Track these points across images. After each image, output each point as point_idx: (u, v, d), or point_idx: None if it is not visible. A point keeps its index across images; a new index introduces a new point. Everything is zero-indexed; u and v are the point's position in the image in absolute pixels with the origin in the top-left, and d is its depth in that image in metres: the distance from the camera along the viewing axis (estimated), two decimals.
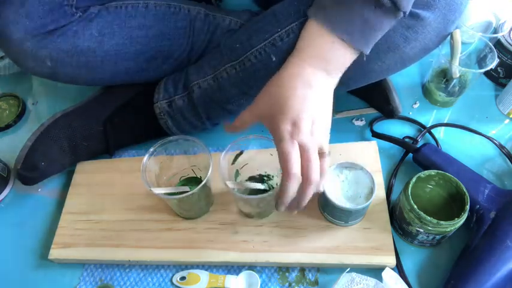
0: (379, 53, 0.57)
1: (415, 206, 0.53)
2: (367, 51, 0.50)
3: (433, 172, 0.57)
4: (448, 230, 0.54)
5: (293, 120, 0.47)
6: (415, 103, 0.78)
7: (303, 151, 0.46)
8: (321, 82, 0.50)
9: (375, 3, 0.46)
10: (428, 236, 0.56)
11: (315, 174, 0.46)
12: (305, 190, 0.47)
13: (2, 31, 0.59)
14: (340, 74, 0.51)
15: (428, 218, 0.52)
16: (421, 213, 0.52)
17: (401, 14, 0.48)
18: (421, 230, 0.55)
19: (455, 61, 0.66)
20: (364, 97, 0.78)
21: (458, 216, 0.53)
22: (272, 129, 0.48)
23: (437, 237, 0.56)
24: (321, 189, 0.51)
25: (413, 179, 0.56)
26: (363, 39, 0.49)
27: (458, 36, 0.62)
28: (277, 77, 0.51)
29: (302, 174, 0.46)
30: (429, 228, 0.53)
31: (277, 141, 0.47)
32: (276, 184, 0.63)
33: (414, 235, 0.57)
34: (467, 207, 0.53)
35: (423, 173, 0.56)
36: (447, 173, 0.56)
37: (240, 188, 0.57)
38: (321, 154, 0.48)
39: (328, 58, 0.49)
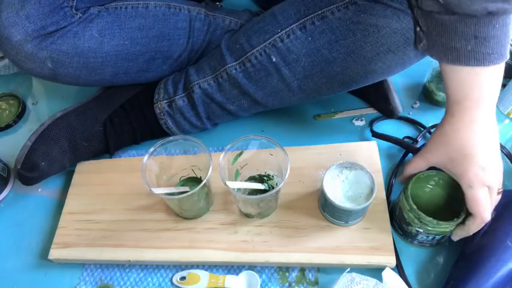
0: (380, 54, 0.57)
1: (415, 207, 0.53)
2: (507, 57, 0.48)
3: (432, 172, 0.56)
4: (448, 230, 0.54)
5: (482, 165, 0.49)
6: (415, 103, 0.78)
7: (491, 193, 0.50)
8: (490, 120, 0.50)
9: (496, 18, 0.44)
10: (428, 236, 0.56)
11: (491, 211, 0.51)
12: (482, 225, 0.52)
13: (2, 33, 0.59)
14: (498, 88, 0.50)
15: (428, 218, 0.52)
16: (421, 213, 0.52)
17: None
18: (421, 230, 0.55)
19: None
20: (364, 97, 0.78)
21: (458, 216, 0.52)
22: (459, 175, 0.51)
23: (437, 237, 0.55)
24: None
25: (413, 179, 0.56)
26: (504, 50, 0.47)
27: None
28: (450, 126, 0.51)
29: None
30: (429, 228, 0.53)
31: (466, 187, 0.50)
32: (276, 184, 0.63)
33: (414, 235, 0.57)
34: (465, 207, 0.52)
35: (422, 173, 0.56)
36: (447, 173, 0.56)
37: (240, 188, 0.57)
38: (499, 191, 0.52)
39: (490, 91, 0.49)
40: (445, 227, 0.53)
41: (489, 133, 0.50)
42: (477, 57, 0.46)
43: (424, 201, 0.57)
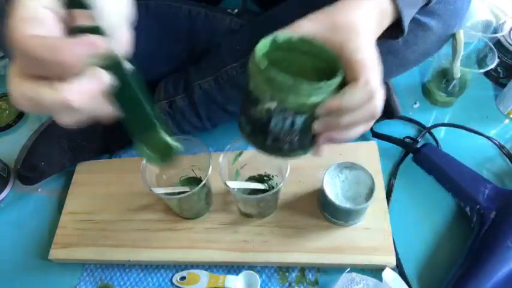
0: (379, 56, 0.57)
1: (265, 63, 0.35)
2: (405, 20, 0.45)
3: (294, 38, 0.39)
4: (314, 100, 0.35)
5: (368, 38, 0.40)
6: (415, 103, 0.78)
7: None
8: (376, 21, 0.43)
9: None
10: (284, 120, 0.37)
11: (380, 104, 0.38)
12: (351, 117, 0.38)
13: (1, 32, 0.59)
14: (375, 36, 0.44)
15: (283, 77, 0.34)
16: (273, 71, 0.34)
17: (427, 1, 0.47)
18: (273, 106, 0.36)
19: (457, 62, 0.66)
20: None
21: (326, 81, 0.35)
22: (344, 40, 0.38)
23: (298, 119, 0.37)
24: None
25: (267, 38, 0.38)
26: (407, 6, 0.44)
27: (461, 36, 0.62)
28: (335, 5, 0.42)
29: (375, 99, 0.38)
30: (285, 97, 0.35)
31: (353, 50, 0.38)
32: (276, 184, 0.63)
33: (264, 124, 0.38)
34: (340, 73, 0.36)
35: (282, 36, 0.39)
36: (314, 41, 0.39)
37: (240, 188, 0.57)
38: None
39: (378, 5, 0.43)
40: (309, 92, 0.35)
41: (375, 30, 0.42)
42: None
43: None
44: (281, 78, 0.34)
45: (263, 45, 0.38)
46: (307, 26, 0.40)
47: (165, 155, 0.40)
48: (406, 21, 0.46)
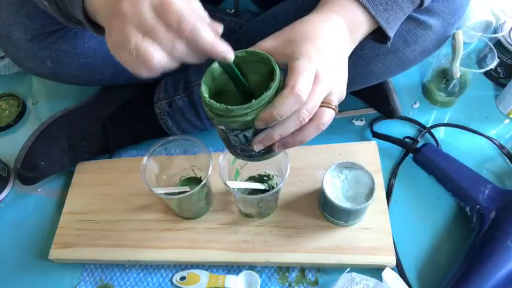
0: (379, 55, 0.57)
1: (205, 95, 0.39)
2: (386, 26, 0.46)
3: (240, 53, 0.41)
4: (250, 117, 0.38)
5: (319, 47, 0.40)
6: (415, 103, 0.78)
7: (315, 82, 0.39)
8: (346, 38, 0.44)
9: None
10: (237, 136, 0.41)
11: (307, 114, 0.39)
12: (287, 125, 0.39)
13: (2, 31, 0.59)
14: (355, 44, 0.46)
15: (218, 105, 0.38)
16: (209, 100, 0.38)
17: (419, 3, 0.48)
18: (222, 127, 0.41)
19: (457, 62, 0.66)
20: (364, 97, 0.78)
21: (257, 97, 0.38)
22: (290, 52, 0.40)
23: (248, 133, 0.41)
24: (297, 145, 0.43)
25: (214, 64, 0.42)
26: (385, 12, 0.45)
27: (460, 37, 0.62)
28: (309, 18, 0.44)
29: (306, 104, 0.39)
30: (226, 120, 0.39)
31: (293, 59, 0.39)
32: (276, 184, 0.63)
33: (228, 141, 0.43)
34: (273, 84, 0.38)
35: (235, 54, 0.40)
36: (258, 51, 0.41)
37: (240, 188, 0.57)
38: (329, 105, 0.41)
39: (353, 19, 0.44)
40: (239, 111, 0.38)
41: (340, 38, 0.43)
42: None
43: (230, 97, 0.42)
44: (217, 106, 0.38)
45: (212, 70, 0.42)
46: (266, 43, 0.42)
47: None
48: (388, 26, 0.46)
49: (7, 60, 0.90)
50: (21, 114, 0.86)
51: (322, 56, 0.40)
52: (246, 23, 0.70)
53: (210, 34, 0.36)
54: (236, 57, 0.40)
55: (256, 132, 0.41)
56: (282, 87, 0.39)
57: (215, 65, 0.42)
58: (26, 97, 0.90)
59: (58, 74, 0.66)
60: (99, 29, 0.43)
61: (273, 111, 0.37)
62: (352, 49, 0.46)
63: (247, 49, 0.41)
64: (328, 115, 0.41)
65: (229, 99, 0.41)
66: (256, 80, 0.42)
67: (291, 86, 0.37)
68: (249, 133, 0.41)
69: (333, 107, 0.41)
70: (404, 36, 0.55)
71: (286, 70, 0.40)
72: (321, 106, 0.40)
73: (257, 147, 0.41)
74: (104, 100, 0.74)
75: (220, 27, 0.38)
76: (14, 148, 0.71)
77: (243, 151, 0.44)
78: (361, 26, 0.45)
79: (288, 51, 0.40)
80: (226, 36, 0.69)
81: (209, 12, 0.72)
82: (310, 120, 0.40)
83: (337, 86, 0.42)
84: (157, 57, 0.35)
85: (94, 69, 0.67)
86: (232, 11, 0.74)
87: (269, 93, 0.38)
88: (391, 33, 0.47)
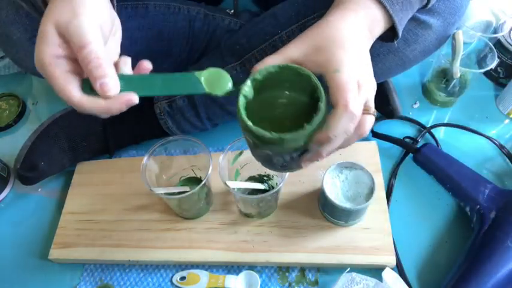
0: (380, 55, 0.57)
1: (249, 123, 0.37)
2: (399, 26, 0.46)
3: (273, 68, 0.39)
4: (298, 142, 0.37)
5: (354, 55, 0.39)
6: (415, 103, 0.78)
7: (360, 93, 0.38)
8: (365, 33, 0.43)
9: None
10: (282, 157, 0.40)
11: (354, 127, 0.38)
12: (336, 141, 0.39)
13: (1, 31, 0.59)
14: (372, 42, 0.45)
15: (268, 134, 0.36)
16: (258, 130, 0.36)
17: (425, 3, 0.48)
18: (269, 152, 0.40)
19: (457, 62, 0.66)
20: None
21: (309, 120, 0.37)
22: (325, 61, 0.39)
23: (294, 154, 0.40)
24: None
25: (247, 84, 0.39)
26: (399, 12, 0.45)
27: (460, 37, 0.62)
28: (326, 20, 0.42)
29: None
30: (274, 146, 0.38)
31: (332, 72, 0.38)
32: (276, 184, 0.63)
33: (267, 159, 0.42)
34: (322, 104, 0.37)
35: (260, 74, 0.39)
36: (293, 65, 0.39)
37: (240, 188, 0.57)
38: (368, 112, 0.40)
39: (372, 19, 0.44)
40: (293, 139, 0.36)
41: (365, 39, 0.43)
42: None
43: (275, 113, 0.41)
44: (268, 135, 0.36)
45: (244, 91, 0.39)
46: (293, 51, 0.41)
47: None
48: (400, 26, 0.46)
49: (7, 60, 0.90)
50: (21, 114, 0.86)
51: (356, 63, 0.39)
52: (246, 23, 0.70)
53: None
54: (268, 73, 0.39)
55: (303, 151, 0.40)
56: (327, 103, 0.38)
57: (247, 87, 0.39)
58: (26, 97, 0.90)
59: None
60: None
61: (329, 133, 0.37)
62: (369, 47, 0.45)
63: (280, 64, 0.39)
64: (370, 122, 0.40)
65: (261, 120, 0.38)
66: (291, 96, 0.41)
67: (343, 105, 0.36)
68: (296, 154, 0.40)
69: (372, 113, 0.41)
70: (404, 36, 0.55)
71: (320, 80, 0.39)
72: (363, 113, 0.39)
73: (305, 165, 0.41)
74: None
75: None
76: (14, 148, 0.71)
77: (283, 167, 0.43)
78: (379, 25, 0.45)
79: (320, 59, 0.39)
80: (226, 36, 0.69)
81: (209, 13, 0.72)
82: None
83: (372, 89, 0.42)
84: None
85: None
86: (232, 11, 0.74)
87: (320, 116, 0.37)
88: (400, 33, 0.47)
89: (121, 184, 0.70)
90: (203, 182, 0.55)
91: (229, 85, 0.40)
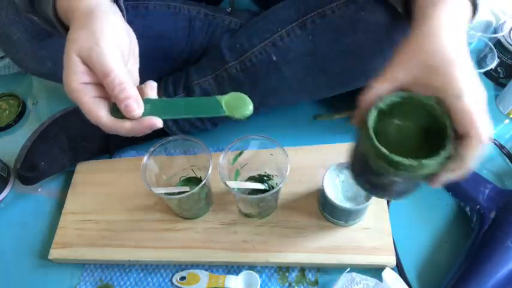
0: (380, 52, 0.57)
1: (385, 150, 0.37)
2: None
3: (397, 98, 0.39)
4: (434, 170, 0.37)
5: (464, 72, 0.37)
6: None
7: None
8: (463, 32, 0.40)
9: None
10: (406, 184, 0.41)
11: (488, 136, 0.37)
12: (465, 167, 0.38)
13: (2, 31, 0.59)
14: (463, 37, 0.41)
15: (407, 161, 0.36)
16: (395, 157, 0.36)
17: None
18: (399, 180, 0.40)
19: None
20: None
21: (442, 147, 0.37)
22: (444, 84, 0.37)
23: (419, 181, 0.41)
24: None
25: (372, 113, 0.39)
26: None
27: None
28: (426, 28, 0.40)
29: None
30: (408, 173, 0.37)
31: (455, 98, 0.36)
32: (276, 184, 0.63)
33: (387, 187, 0.42)
34: (450, 131, 0.37)
35: (383, 102, 0.39)
36: (416, 95, 0.39)
37: (240, 188, 0.57)
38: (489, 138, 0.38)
39: (460, 6, 0.41)
40: (430, 166, 0.36)
41: (464, 38, 0.40)
42: None
43: (390, 139, 0.41)
44: (407, 162, 0.36)
45: (372, 121, 0.39)
46: (401, 75, 0.39)
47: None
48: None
49: (7, 60, 0.90)
50: (21, 114, 0.86)
51: (472, 79, 0.38)
52: (246, 22, 0.70)
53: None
54: (392, 102, 0.39)
55: (427, 180, 0.40)
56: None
57: (373, 116, 0.39)
58: (26, 97, 0.90)
59: (58, 74, 0.66)
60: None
61: (465, 164, 0.37)
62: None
63: (403, 94, 0.39)
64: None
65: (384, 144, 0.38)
66: (408, 123, 0.41)
67: (476, 136, 0.36)
68: (420, 181, 0.40)
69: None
70: (406, 31, 0.55)
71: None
72: None
73: (435, 186, 0.40)
74: None
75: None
76: (14, 148, 0.71)
77: (399, 194, 0.43)
78: (468, 11, 0.42)
79: (436, 84, 0.37)
80: (226, 36, 0.69)
81: (209, 13, 0.72)
82: None
83: (484, 99, 0.39)
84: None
85: None
86: (229, 9, 0.74)
87: (450, 143, 0.36)
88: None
89: (121, 184, 0.70)
90: (203, 182, 0.55)
91: (250, 109, 0.43)
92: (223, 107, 0.42)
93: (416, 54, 0.39)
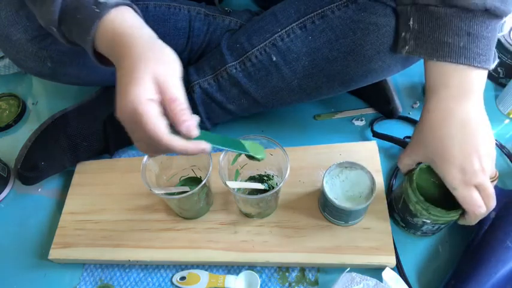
0: (380, 53, 0.57)
1: (423, 198, 0.52)
2: (492, 66, 0.49)
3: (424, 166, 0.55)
4: (455, 218, 0.53)
5: (460, 167, 0.47)
6: (415, 103, 0.78)
7: (481, 190, 0.48)
8: (471, 112, 0.47)
9: (490, 19, 0.45)
10: (433, 226, 0.56)
11: (493, 202, 0.49)
12: (484, 215, 0.50)
13: (1, 32, 0.59)
14: (482, 92, 0.49)
15: (438, 209, 0.51)
16: (430, 205, 0.52)
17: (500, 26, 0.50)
18: (428, 221, 0.54)
19: None
20: (364, 97, 0.78)
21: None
22: (442, 177, 0.49)
23: (442, 226, 0.56)
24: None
25: (417, 171, 0.54)
26: (491, 56, 0.48)
27: None
28: (427, 123, 0.49)
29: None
30: (436, 218, 0.53)
31: (451, 189, 0.49)
32: (276, 184, 0.63)
33: (419, 226, 0.57)
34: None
35: (424, 164, 0.54)
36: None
37: (240, 188, 0.57)
38: (492, 180, 0.50)
39: (468, 88, 0.47)
40: (453, 215, 0.52)
41: (470, 130, 0.47)
42: (467, 55, 0.46)
43: (426, 191, 0.55)
44: (438, 210, 0.51)
45: (416, 175, 0.54)
46: (416, 158, 0.53)
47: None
48: (492, 64, 0.48)
49: (7, 60, 0.90)
50: (21, 114, 0.86)
51: (468, 174, 0.47)
52: (246, 22, 0.70)
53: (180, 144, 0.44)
54: (427, 166, 0.54)
55: (448, 223, 0.56)
56: None
57: (417, 174, 0.54)
58: (26, 97, 0.90)
59: (58, 74, 0.66)
60: (102, 58, 0.49)
61: (471, 221, 0.51)
62: (482, 99, 0.49)
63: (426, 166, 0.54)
64: (493, 186, 0.50)
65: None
66: (433, 181, 0.55)
67: (472, 213, 0.49)
68: (445, 224, 0.56)
69: (496, 178, 0.57)
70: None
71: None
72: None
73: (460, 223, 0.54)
74: (104, 100, 0.74)
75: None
76: (14, 148, 0.71)
77: (424, 232, 0.59)
78: (482, 82, 0.48)
79: (438, 173, 0.50)
80: (226, 36, 0.69)
81: (210, 13, 0.72)
82: None
83: (492, 162, 0.49)
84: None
85: (94, 69, 0.67)
86: (226, 9, 0.74)
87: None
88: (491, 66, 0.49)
89: (121, 184, 0.70)
90: (203, 182, 0.55)
91: (264, 154, 0.54)
92: (247, 148, 0.52)
93: (422, 147, 0.51)
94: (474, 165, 0.47)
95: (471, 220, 0.51)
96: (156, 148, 0.44)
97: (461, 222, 0.53)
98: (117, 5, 0.46)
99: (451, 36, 0.46)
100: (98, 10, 0.45)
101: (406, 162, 0.55)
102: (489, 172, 0.48)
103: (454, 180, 0.48)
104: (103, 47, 0.47)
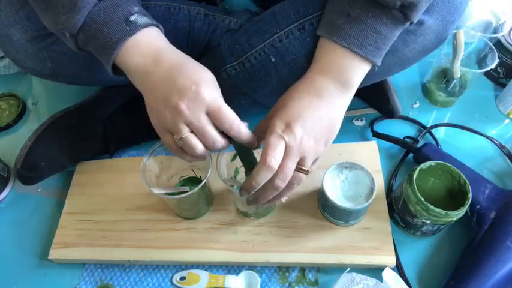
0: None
1: (423, 199, 0.53)
2: (379, 62, 0.50)
3: (433, 163, 0.56)
4: (455, 219, 0.54)
5: (288, 121, 0.47)
6: (415, 103, 0.78)
7: (285, 155, 0.46)
8: (332, 94, 0.49)
9: (386, 17, 0.47)
10: (433, 227, 0.56)
11: (281, 182, 0.46)
12: (267, 191, 0.48)
13: (1, 32, 0.59)
14: (355, 88, 0.51)
15: (437, 209, 0.52)
16: (430, 205, 0.52)
17: (409, 24, 0.49)
18: (428, 222, 0.55)
19: (457, 62, 0.66)
20: (364, 97, 0.78)
21: (463, 204, 0.53)
22: (269, 125, 0.48)
23: (442, 226, 0.56)
24: (283, 201, 0.52)
25: (417, 171, 0.55)
26: (376, 50, 0.49)
27: (462, 37, 0.62)
28: (291, 88, 0.51)
29: (273, 175, 0.46)
30: (435, 218, 0.53)
31: (267, 134, 0.47)
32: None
33: (419, 227, 0.57)
34: (470, 195, 0.53)
35: (424, 165, 0.56)
36: (447, 164, 0.56)
37: (237, 185, 0.57)
38: (300, 169, 0.48)
39: (341, 70, 0.49)
40: (452, 216, 0.52)
41: (320, 104, 0.48)
42: (340, 33, 0.48)
43: (426, 192, 0.56)
44: (437, 210, 0.52)
45: (416, 175, 0.55)
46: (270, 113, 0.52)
47: None
48: (379, 59, 0.50)
49: (7, 60, 0.90)
50: (21, 114, 0.86)
51: (291, 130, 0.46)
52: (246, 23, 0.70)
53: (248, 133, 0.47)
54: (430, 165, 0.56)
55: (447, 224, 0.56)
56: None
57: (416, 174, 0.55)
58: (26, 97, 0.90)
59: (58, 74, 0.66)
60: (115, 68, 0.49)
61: (252, 181, 0.46)
62: (350, 97, 0.51)
63: (438, 161, 0.57)
64: (300, 178, 0.49)
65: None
66: (434, 181, 0.58)
67: (263, 160, 0.45)
68: (443, 225, 0.56)
69: (305, 170, 0.48)
70: (403, 37, 0.55)
71: None
72: (295, 170, 0.47)
73: (242, 194, 0.50)
74: (104, 100, 0.74)
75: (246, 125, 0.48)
76: (14, 148, 0.71)
77: (424, 233, 0.59)
78: (359, 70, 0.49)
79: (270, 122, 0.48)
80: (226, 36, 0.69)
81: (210, 13, 0.72)
82: None
83: (311, 150, 0.48)
84: (200, 149, 0.46)
85: (94, 69, 0.67)
86: (227, 8, 0.74)
87: (468, 203, 0.53)
88: (379, 62, 0.50)
89: (121, 184, 0.70)
90: (203, 182, 0.55)
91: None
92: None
93: (279, 100, 0.52)
94: (299, 129, 0.46)
95: (255, 172, 0.46)
96: (195, 146, 0.45)
97: (242, 190, 0.49)
98: (147, 25, 0.47)
99: (336, 13, 0.49)
100: (128, 28, 0.46)
101: (260, 128, 0.52)
102: (303, 152, 0.47)
103: (276, 127, 0.47)
104: (128, 59, 0.48)
